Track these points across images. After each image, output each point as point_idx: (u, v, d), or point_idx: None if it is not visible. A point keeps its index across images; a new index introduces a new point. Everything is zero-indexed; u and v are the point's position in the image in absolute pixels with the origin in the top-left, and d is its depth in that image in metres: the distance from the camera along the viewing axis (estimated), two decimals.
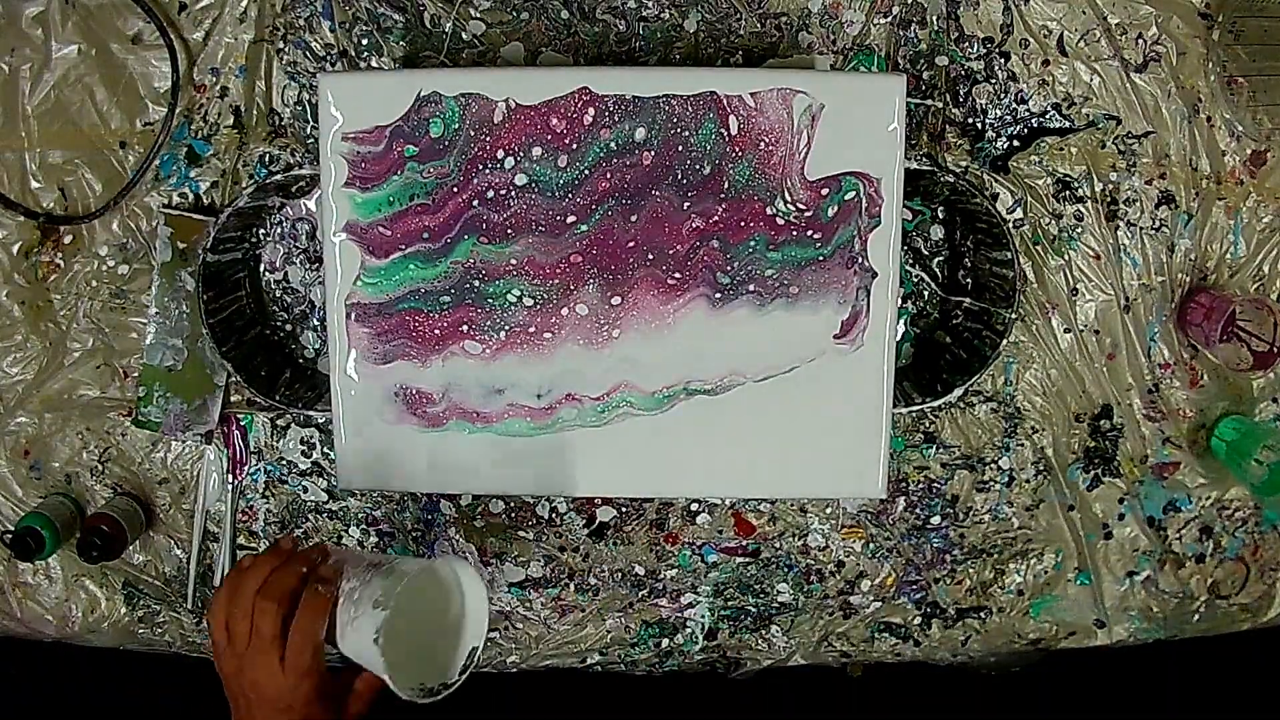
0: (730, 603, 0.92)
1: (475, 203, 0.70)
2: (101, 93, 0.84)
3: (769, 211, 0.71)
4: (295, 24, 0.84)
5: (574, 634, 0.93)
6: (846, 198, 0.71)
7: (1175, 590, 0.93)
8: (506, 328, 0.72)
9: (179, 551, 0.90)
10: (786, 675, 0.96)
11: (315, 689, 0.63)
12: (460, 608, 0.67)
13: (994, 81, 0.86)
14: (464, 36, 0.84)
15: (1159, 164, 0.87)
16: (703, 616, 0.92)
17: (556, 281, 0.71)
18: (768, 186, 0.70)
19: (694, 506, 0.90)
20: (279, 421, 0.88)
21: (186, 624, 0.91)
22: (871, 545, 0.91)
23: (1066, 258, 0.87)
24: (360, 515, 0.90)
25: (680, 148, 0.69)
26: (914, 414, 0.89)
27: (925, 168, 0.82)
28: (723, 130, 0.69)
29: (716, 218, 0.71)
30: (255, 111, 0.85)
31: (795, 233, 0.71)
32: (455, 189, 0.70)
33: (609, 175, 0.70)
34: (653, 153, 0.69)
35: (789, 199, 0.71)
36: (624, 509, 0.90)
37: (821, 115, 0.69)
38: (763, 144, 0.70)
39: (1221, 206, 0.87)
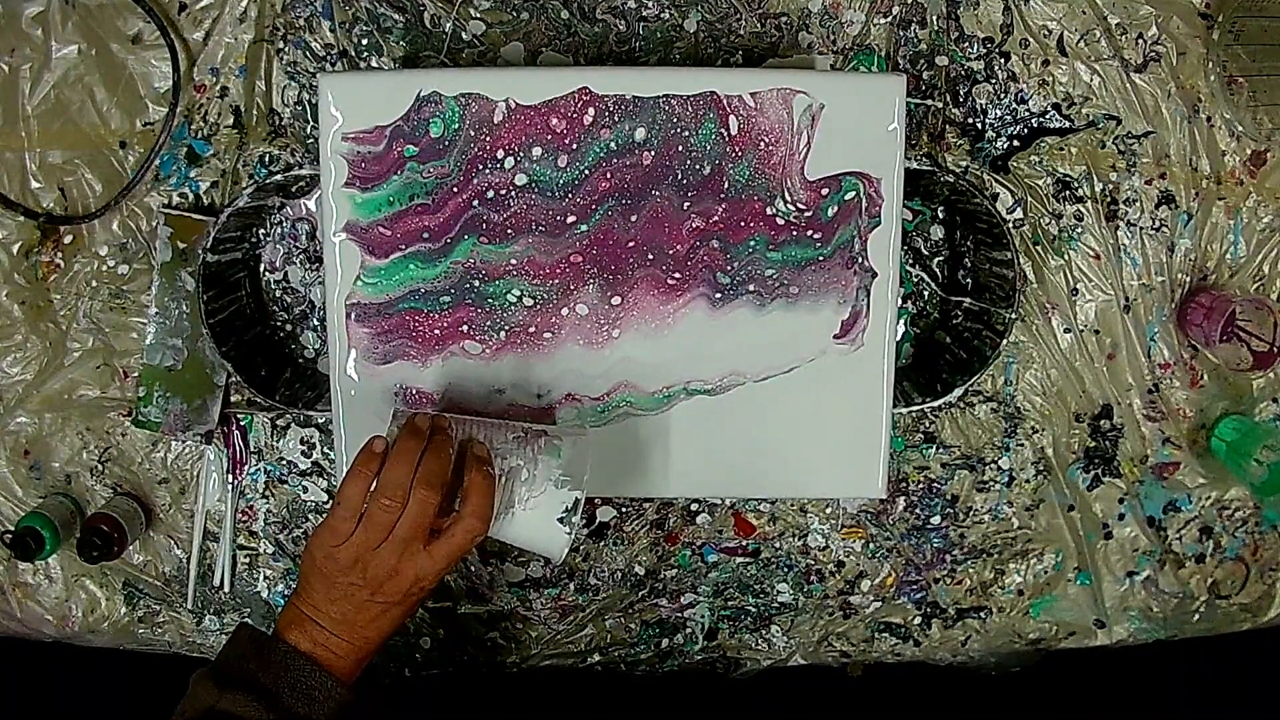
0: (730, 603, 0.92)
1: (475, 203, 0.70)
2: (101, 93, 0.84)
3: (769, 211, 0.71)
4: (295, 24, 0.84)
5: (574, 634, 0.93)
6: (846, 198, 0.71)
7: (1175, 590, 0.93)
8: (506, 328, 0.72)
9: (179, 551, 0.90)
10: (786, 675, 0.96)
11: (454, 562, 0.63)
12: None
13: (994, 81, 0.86)
14: (464, 36, 0.84)
15: (1159, 164, 0.87)
16: (703, 616, 0.92)
17: (556, 281, 0.71)
18: (768, 186, 0.70)
19: (694, 506, 0.90)
20: (279, 421, 0.88)
21: (186, 624, 0.91)
22: (871, 545, 0.91)
23: (1066, 258, 0.87)
24: None
25: (680, 148, 0.69)
26: (914, 414, 0.89)
27: (925, 168, 0.82)
28: (723, 130, 0.69)
29: (716, 218, 0.71)
30: (255, 111, 0.85)
31: (795, 233, 0.71)
32: (455, 189, 0.70)
33: (609, 175, 0.70)
34: (653, 153, 0.69)
35: (789, 199, 0.71)
36: (624, 509, 0.90)
37: (821, 115, 0.69)
38: (763, 144, 0.70)
39: (1221, 206, 0.87)
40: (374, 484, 0.62)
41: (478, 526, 0.62)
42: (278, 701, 0.62)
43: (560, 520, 0.64)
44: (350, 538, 0.62)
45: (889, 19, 0.84)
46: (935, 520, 0.91)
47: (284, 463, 0.89)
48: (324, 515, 0.89)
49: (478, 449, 0.64)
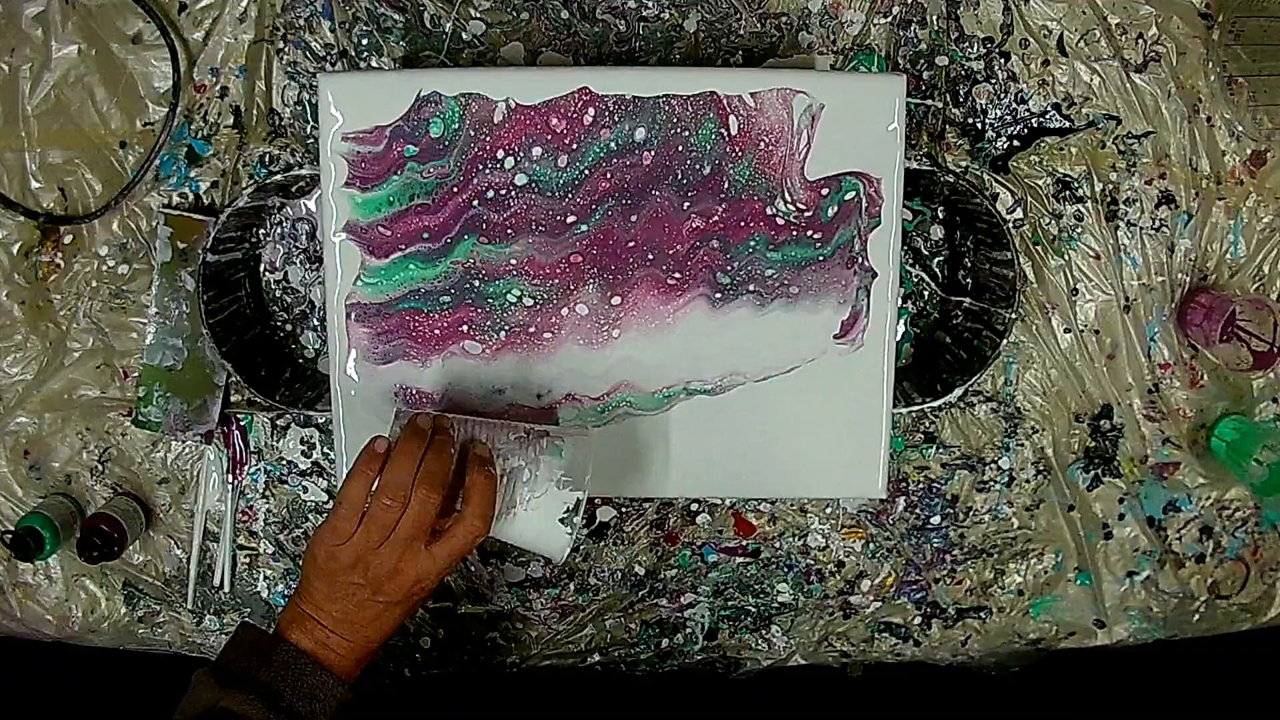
0: (730, 603, 0.92)
1: (475, 203, 0.70)
2: (101, 93, 0.84)
3: (769, 211, 0.71)
4: (295, 24, 0.84)
5: (574, 634, 0.93)
6: (846, 198, 0.71)
7: (1175, 590, 0.93)
8: (506, 328, 0.72)
9: (179, 551, 0.90)
10: (786, 675, 0.96)
11: (455, 562, 0.64)
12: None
13: (994, 81, 0.86)
14: (464, 36, 0.84)
15: (1159, 164, 0.87)
16: (703, 616, 0.92)
17: (556, 281, 0.71)
18: (768, 186, 0.70)
19: (694, 506, 0.90)
20: (279, 421, 0.88)
21: (186, 624, 0.91)
22: (871, 545, 0.91)
23: (1066, 258, 0.87)
24: None
25: (680, 148, 0.69)
26: (914, 414, 0.89)
27: (925, 168, 0.82)
28: (723, 130, 0.69)
29: (716, 218, 0.71)
30: (255, 111, 0.85)
31: (795, 233, 0.71)
32: (455, 189, 0.70)
33: (609, 175, 0.70)
34: (653, 153, 0.69)
35: (789, 199, 0.71)
36: (624, 509, 0.90)
37: (821, 115, 0.69)
38: (763, 144, 0.70)
39: (1221, 206, 0.87)
40: (376, 484, 0.62)
41: (479, 527, 0.62)
42: (279, 700, 0.63)
43: (562, 521, 0.64)
44: (352, 537, 0.62)
45: (889, 19, 0.84)
46: (935, 520, 0.91)
47: (284, 463, 0.89)
48: (324, 515, 0.89)
49: (479, 449, 0.64)
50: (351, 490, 0.62)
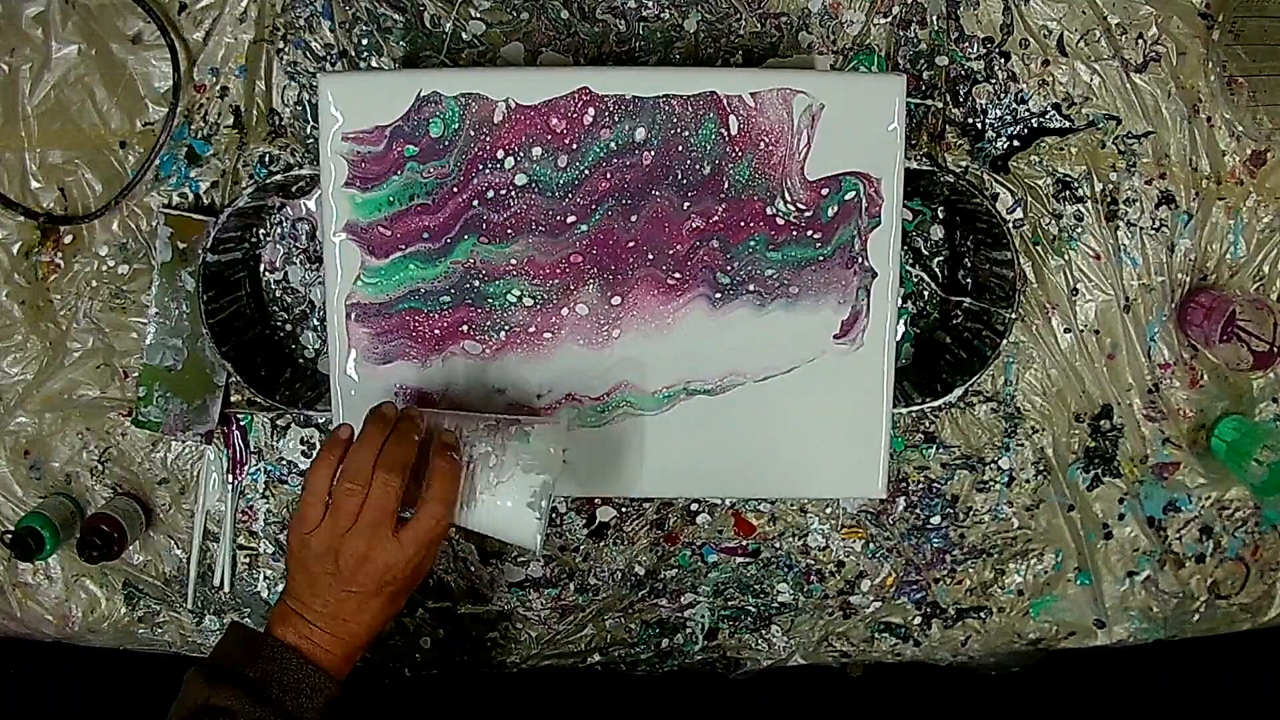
0: (730, 603, 0.92)
1: (475, 203, 0.70)
2: (101, 93, 0.84)
3: (769, 211, 0.71)
4: (295, 24, 0.84)
5: (574, 634, 0.93)
6: (846, 198, 0.71)
7: (1175, 590, 0.93)
8: (506, 328, 0.72)
9: (179, 551, 0.90)
10: (786, 675, 0.96)
11: (427, 553, 0.63)
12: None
13: (994, 81, 0.86)
14: (464, 36, 0.84)
15: (1159, 164, 0.87)
16: (703, 616, 0.92)
17: (556, 281, 0.71)
18: (768, 186, 0.70)
19: (694, 506, 0.90)
20: (279, 421, 0.88)
21: (186, 624, 0.91)
22: (871, 545, 0.91)
23: (1066, 258, 0.87)
24: None
25: (680, 148, 0.69)
26: (914, 414, 0.89)
27: (925, 168, 0.82)
28: (723, 130, 0.69)
29: (716, 218, 0.71)
30: (255, 111, 0.85)
31: (795, 233, 0.71)
32: (455, 189, 0.70)
33: (609, 175, 0.70)
34: (653, 153, 0.69)
35: (789, 199, 0.71)
36: (624, 509, 0.90)
37: (821, 115, 0.69)
38: (763, 144, 0.70)
39: (1221, 206, 0.87)
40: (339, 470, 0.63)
41: (440, 511, 0.62)
42: (266, 695, 0.63)
43: (529, 505, 0.63)
44: (320, 524, 0.63)
45: (889, 19, 0.85)
46: (935, 520, 0.91)
47: (284, 463, 0.89)
48: None
49: (445, 436, 0.64)
50: (314, 476, 0.63)
